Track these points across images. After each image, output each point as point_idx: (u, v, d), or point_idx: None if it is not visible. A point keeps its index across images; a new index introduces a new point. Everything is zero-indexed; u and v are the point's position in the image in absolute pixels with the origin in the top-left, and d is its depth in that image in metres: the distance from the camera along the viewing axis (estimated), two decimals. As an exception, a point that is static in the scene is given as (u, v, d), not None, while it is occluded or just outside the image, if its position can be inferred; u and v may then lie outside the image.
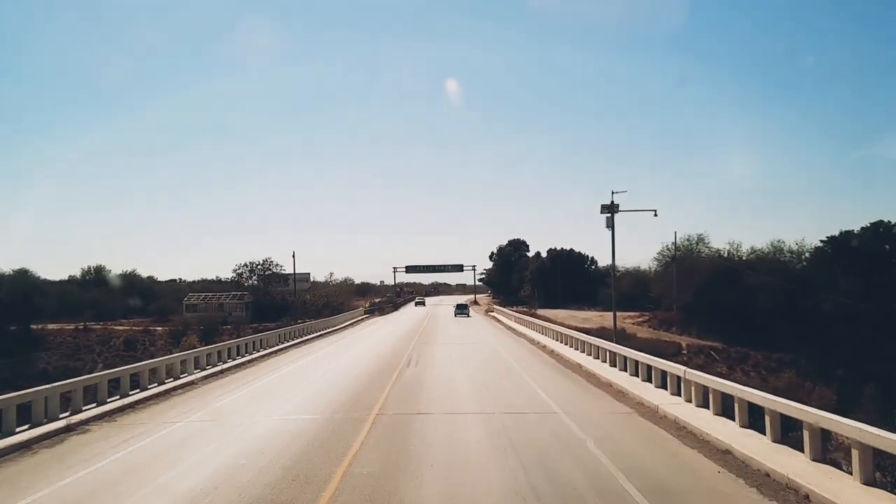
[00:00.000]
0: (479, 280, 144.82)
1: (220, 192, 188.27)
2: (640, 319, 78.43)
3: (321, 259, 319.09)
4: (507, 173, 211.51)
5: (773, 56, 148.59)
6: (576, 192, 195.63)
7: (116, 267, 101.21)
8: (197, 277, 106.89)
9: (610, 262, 38.04)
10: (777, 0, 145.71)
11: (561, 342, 32.90)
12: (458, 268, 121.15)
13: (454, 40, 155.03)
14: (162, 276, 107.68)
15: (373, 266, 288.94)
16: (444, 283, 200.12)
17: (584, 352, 27.51)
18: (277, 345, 36.97)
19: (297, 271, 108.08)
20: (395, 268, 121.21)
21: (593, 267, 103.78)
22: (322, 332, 50.41)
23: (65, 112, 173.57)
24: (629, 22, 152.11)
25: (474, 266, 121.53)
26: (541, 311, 75.05)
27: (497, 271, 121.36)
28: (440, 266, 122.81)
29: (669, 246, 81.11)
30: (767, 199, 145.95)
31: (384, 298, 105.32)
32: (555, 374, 23.42)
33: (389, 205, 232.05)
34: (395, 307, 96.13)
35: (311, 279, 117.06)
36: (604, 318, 79.92)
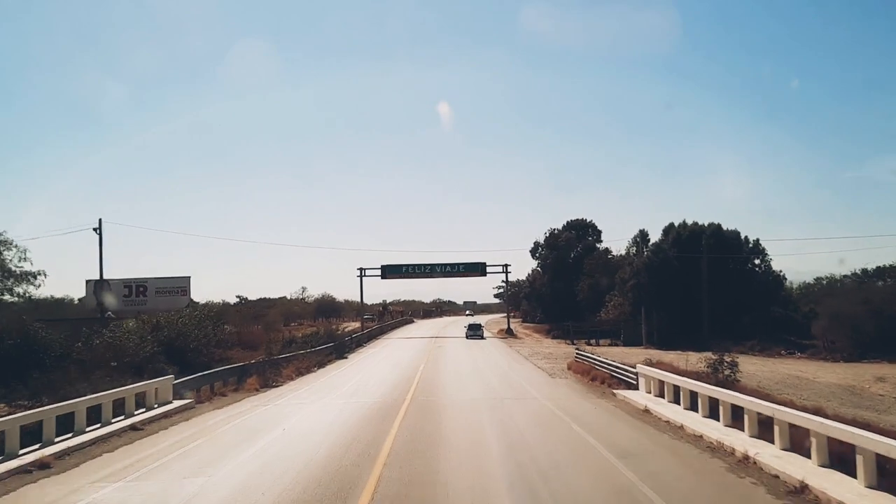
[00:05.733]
0: (499, 294, 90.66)
1: (217, 215, 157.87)
2: None
3: (317, 276, 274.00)
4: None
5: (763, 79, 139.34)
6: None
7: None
8: None
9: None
10: (767, 23, 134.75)
11: None
12: (477, 268, 62.61)
13: (445, 65, 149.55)
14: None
15: (373, 287, 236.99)
16: (449, 302, 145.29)
17: None
18: None
19: (171, 276, 56.07)
20: (361, 269, 65.23)
21: (757, 261, 50.97)
22: None
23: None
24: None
25: (506, 266, 63.83)
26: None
27: (545, 275, 66.95)
28: (443, 266, 63.58)
29: None
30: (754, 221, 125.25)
31: (319, 330, 47.79)
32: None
33: (388, 209, 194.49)
34: (338, 352, 38.92)
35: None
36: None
